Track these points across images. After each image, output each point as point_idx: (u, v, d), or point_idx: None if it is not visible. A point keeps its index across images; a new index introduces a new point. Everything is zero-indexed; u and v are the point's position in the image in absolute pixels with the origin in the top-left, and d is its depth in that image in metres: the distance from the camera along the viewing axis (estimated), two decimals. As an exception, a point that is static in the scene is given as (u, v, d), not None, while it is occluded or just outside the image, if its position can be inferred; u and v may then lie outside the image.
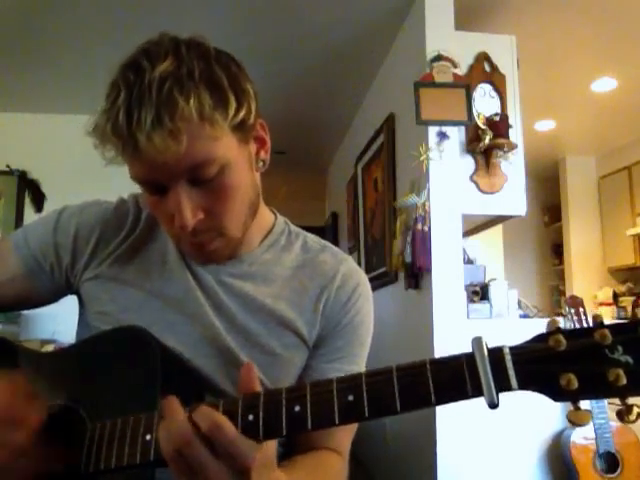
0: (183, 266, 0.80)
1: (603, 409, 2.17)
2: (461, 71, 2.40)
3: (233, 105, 0.65)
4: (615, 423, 2.22)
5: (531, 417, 2.29)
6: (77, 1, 2.61)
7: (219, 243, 0.73)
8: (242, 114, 0.66)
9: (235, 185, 0.69)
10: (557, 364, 0.47)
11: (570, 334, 0.47)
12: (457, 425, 2.16)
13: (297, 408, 0.53)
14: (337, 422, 0.52)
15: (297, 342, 0.81)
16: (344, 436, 0.82)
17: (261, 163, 0.77)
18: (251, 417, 0.53)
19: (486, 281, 2.52)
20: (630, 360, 0.45)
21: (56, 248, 0.80)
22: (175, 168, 0.64)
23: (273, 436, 0.54)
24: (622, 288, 4.68)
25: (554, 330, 0.48)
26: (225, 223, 0.71)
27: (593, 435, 2.17)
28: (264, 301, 0.80)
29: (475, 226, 2.92)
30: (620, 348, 0.45)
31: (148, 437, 0.57)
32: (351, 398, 0.52)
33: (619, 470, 2.16)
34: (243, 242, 0.80)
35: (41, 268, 0.81)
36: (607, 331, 0.46)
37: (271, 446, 0.58)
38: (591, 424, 2.18)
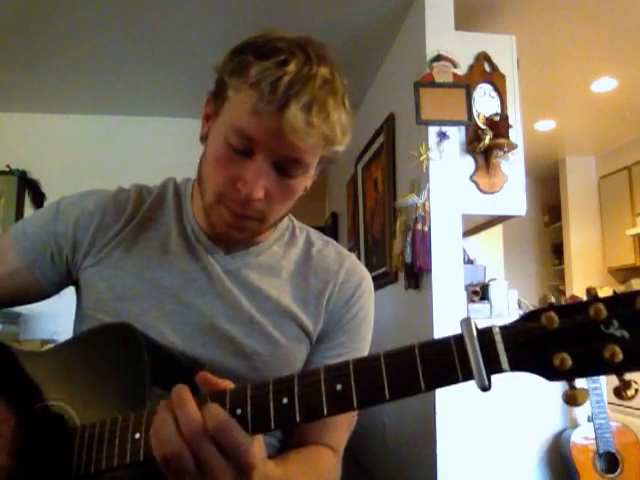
0: (186, 256, 0.80)
1: (603, 409, 2.17)
2: (461, 71, 2.40)
3: (342, 145, 0.72)
4: (615, 423, 2.22)
5: (531, 417, 2.29)
6: (77, 2, 2.61)
7: (252, 225, 0.75)
8: (339, 154, 0.74)
9: (296, 192, 0.75)
10: (550, 343, 0.45)
11: (563, 310, 0.45)
12: (457, 425, 2.14)
13: (285, 400, 0.52)
14: (325, 413, 0.51)
15: (300, 335, 0.81)
16: (339, 432, 0.82)
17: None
18: (239, 411, 0.53)
19: (486, 281, 2.51)
20: (626, 334, 0.42)
21: (56, 237, 0.80)
22: (280, 148, 0.67)
23: (262, 430, 0.53)
24: (622, 288, 4.65)
25: (546, 307, 0.46)
26: (270, 213, 0.74)
27: (593, 435, 2.17)
28: (269, 292, 0.80)
29: (475, 226, 2.92)
30: (616, 322, 0.43)
31: (137, 436, 0.56)
32: (339, 387, 0.51)
33: (619, 470, 2.15)
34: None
35: (42, 258, 0.80)
36: (602, 305, 0.43)
37: (259, 439, 0.57)
38: (591, 424, 2.18)
